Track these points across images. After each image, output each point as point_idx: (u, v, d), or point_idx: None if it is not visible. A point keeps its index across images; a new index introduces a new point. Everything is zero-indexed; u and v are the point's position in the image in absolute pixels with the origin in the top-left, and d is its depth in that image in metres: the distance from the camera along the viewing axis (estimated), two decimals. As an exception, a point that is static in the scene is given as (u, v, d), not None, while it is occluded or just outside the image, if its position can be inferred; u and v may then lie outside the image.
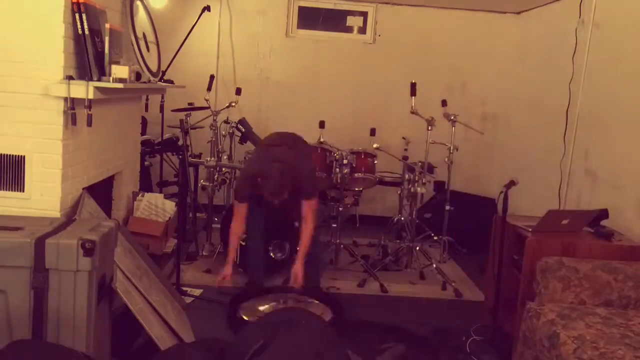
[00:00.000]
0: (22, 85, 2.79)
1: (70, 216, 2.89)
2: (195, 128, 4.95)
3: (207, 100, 4.59)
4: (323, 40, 5.83)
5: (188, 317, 3.28)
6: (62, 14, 2.79)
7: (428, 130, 4.37)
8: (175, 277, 3.68)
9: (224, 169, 4.60)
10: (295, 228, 3.99)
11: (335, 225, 4.36)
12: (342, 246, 4.37)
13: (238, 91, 4.87)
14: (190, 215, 4.97)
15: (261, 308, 3.44)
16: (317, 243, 3.86)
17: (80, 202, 3.04)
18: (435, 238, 4.82)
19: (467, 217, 5.06)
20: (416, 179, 4.35)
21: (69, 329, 2.28)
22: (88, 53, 2.92)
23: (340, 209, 4.28)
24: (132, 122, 4.08)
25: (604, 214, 3.29)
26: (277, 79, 5.81)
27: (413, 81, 4.33)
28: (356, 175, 4.24)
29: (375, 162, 4.32)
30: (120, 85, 2.92)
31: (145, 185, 4.83)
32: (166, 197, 4.30)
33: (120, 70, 2.96)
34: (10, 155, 2.83)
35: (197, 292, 3.72)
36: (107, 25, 3.01)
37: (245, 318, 3.31)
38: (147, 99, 5.03)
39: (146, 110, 5.05)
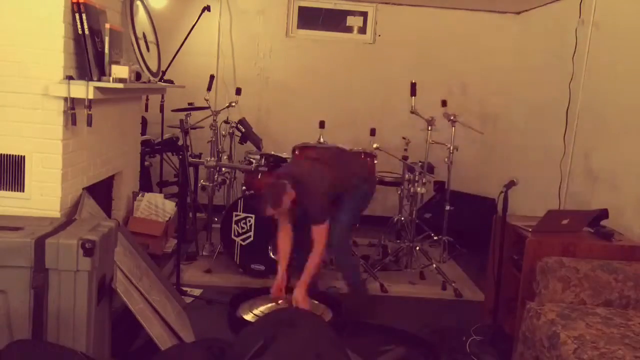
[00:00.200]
0: (22, 85, 2.79)
1: (70, 216, 2.89)
2: (195, 128, 4.95)
3: (207, 100, 4.59)
4: (323, 40, 5.83)
5: (188, 317, 3.28)
6: (62, 14, 2.79)
7: (428, 130, 4.37)
8: (175, 277, 3.68)
9: (224, 169, 4.60)
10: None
11: (335, 225, 4.35)
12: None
13: (238, 91, 4.87)
14: (190, 215, 4.97)
15: (261, 308, 3.44)
16: (347, 247, 3.75)
17: (80, 202, 3.04)
18: (435, 238, 4.82)
19: (467, 217, 5.06)
20: (416, 179, 4.35)
21: (69, 329, 2.28)
22: (88, 53, 2.92)
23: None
24: (132, 122, 4.08)
25: (604, 214, 3.29)
26: (277, 79, 5.81)
27: (413, 81, 4.33)
28: (356, 175, 4.22)
29: (375, 162, 4.31)
30: (120, 85, 2.92)
31: (145, 185, 4.83)
32: (166, 197, 4.30)
33: (120, 70, 2.96)
34: (10, 155, 2.83)
35: (197, 292, 3.73)
36: (107, 25, 3.01)
37: (245, 318, 3.31)
38: (147, 99, 5.04)
39: (146, 110, 5.06)
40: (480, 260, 4.41)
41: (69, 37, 2.87)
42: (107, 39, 2.99)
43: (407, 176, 4.47)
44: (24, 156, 2.84)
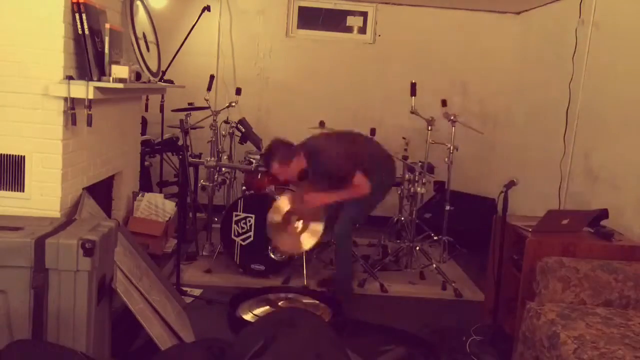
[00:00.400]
0: (22, 85, 2.79)
1: (70, 216, 2.89)
2: (195, 128, 4.95)
3: (207, 100, 4.59)
4: (323, 40, 5.83)
5: (188, 317, 3.27)
6: (62, 14, 2.79)
7: (428, 130, 4.37)
8: (175, 277, 3.68)
9: (224, 169, 4.60)
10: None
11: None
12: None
13: (238, 91, 4.87)
14: (190, 215, 4.98)
15: (261, 308, 3.45)
16: (347, 249, 3.87)
17: (80, 202, 3.04)
18: (435, 238, 4.82)
19: (467, 217, 5.06)
20: (416, 179, 4.35)
21: (69, 329, 2.28)
22: (88, 53, 2.92)
23: (340, 209, 4.28)
24: (132, 122, 4.08)
25: (604, 214, 3.29)
26: (277, 79, 5.81)
27: (413, 81, 4.34)
28: (356, 175, 4.22)
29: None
30: (120, 85, 2.92)
31: (145, 185, 4.83)
32: (166, 197, 4.31)
33: (120, 70, 2.96)
34: (10, 155, 2.83)
35: (197, 292, 3.72)
36: (107, 25, 3.01)
37: (245, 318, 3.31)
38: (147, 99, 5.04)
39: (146, 110, 5.06)
40: (480, 260, 4.41)
41: (69, 37, 2.87)
42: (107, 39, 2.99)
43: (407, 176, 4.47)
44: (24, 156, 2.84)
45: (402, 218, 4.78)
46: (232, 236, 4.12)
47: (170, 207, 4.21)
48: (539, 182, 4.65)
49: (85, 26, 2.89)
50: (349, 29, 5.91)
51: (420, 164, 4.39)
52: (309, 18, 5.84)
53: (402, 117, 4.98)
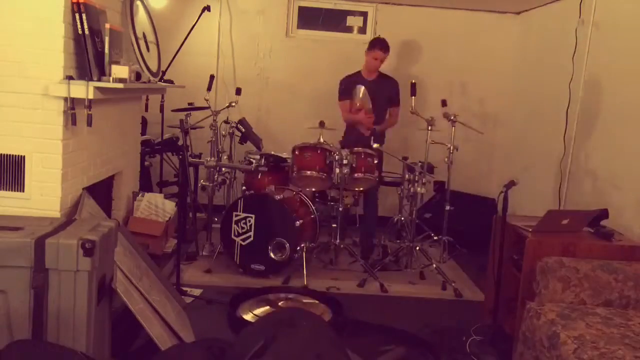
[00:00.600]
0: (22, 85, 2.79)
1: (70, 216, 2.89)
2: (195, 128, 4.95)
3: (207, 100, 4.58)
4: (323, 40, 5.82)
5: (188, 317, 3.28)
6: (62, 14, 2.79)
7: (428, 130, 4.37)
8: (175, 277, 3.68)
9: (224, 169, 4.60)
10: (296, 228, 4.00)
11: (335, 225, 4.36)
12: (342, 246, 4.37)
13: (238, 91, 4.87)
14: (190, 215, 4.98)
15: (261, 308, 3.45)
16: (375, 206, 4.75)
17: (80, 202, 3.05)
18: (435, 238, 4.82)
19: (467, 217, 5.06)
20: (416, 179, 4.35)
21: (69, 329, 2.28)
22: (88, 53, 2.92)
23: (340, 209, 4.28)
24: (132, 122, 4.08)
25: (604, 214, 3.29)
26: (277, 79, 5.81)
27: (413, 81, 4.33)
28: (356, 175, 4.24)
29: (375, 162, 4.31)
30: (120, 85, 2.92)
31: (145, 185, 4.83)
32: (166, 197, 4.30)
33: (120, 70, 2.96)
34: (10, 155, 2.83)
35: (197, 292, 3.72)
36: (107, 25, 3.01)
37: (245, 318, 3.31)
38: (147, 99, 5.03)
39: (146, 110, 5.05)
40: (480, 260, 4.41)
41: (69, 37, 2.87)
42: (107, 39, 2.99)
43: (407, 176, 4.46)
44: (24, 156, 2.84)
45: (402, 218, 4.78)
46: (232, 236, 4.12)
47: (170, 207, 4.21)
48: (539, 182, 4.65)
49: (85, 26, 2.89)
50: (349, 29, 5.91)
51: (420, 164, 4.39)
52: (309, 18, 5.84)
53: (402, 117, 4.98)
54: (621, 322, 2.47)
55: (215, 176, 4.54)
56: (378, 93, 4.67)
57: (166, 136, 5.15)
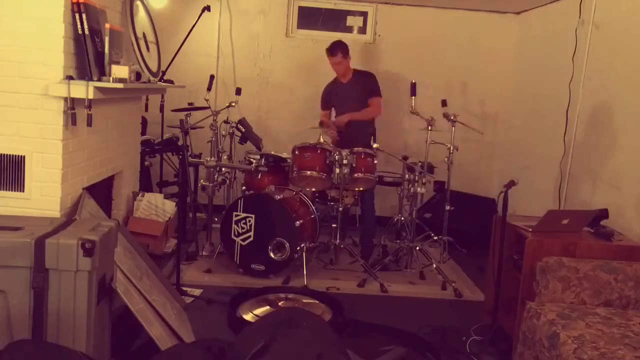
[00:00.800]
0: (22, 85, 2.79)
1: (70, 216, 2.89)
2: (195, 128, 4.95)
3: (207, 100, 4.58)
4: (323, 40, 5.80)
5: (188, 317, 3.28)
6: (62, 14, 2.79)
7: (428, 130, 4.37)
8: (175, 277, 3.68)
9: (224, 169, 4.60)
10: (296, 228, 4.00)
11: (335, 225, 4.36)
12: (342, 246, 4.37)
13: (238, 91, 4.87)
14: (190, 215, 4.97)
15: (261, 308, 3.45)
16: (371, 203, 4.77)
17: (80, 202, 3.04)
18: (435, 238, 4.82)
19: (467, 217, 5.06)
20: (416, 179, 4.35)
21: (69, 329, 2.28)
22: (88, 53, 2.92)
23: (340, 209, 4.28)
24: (132, 122, 4.08)
25: (604, 214, 3.29)
26: (277, 79, 5.81)
27: (413, 81, 4.33)
28: (356, 175, 4.24)
29: (375, 162, 4.31)
30: (120, 85, 2.92)
31: (145, 185, 4.83)
32: (166, 197, 4.31)
33: (120, 70, 2.96)
34: (10, 155, 2.83)
35: (197, 292, 3.72)
36: (107, 25, 3.01)
37: (245, 318, 3.31)
38: (147, 99, 5.03)
39: (146, 110, 5.05)
40: (480, 260, 4.41)
41: (69, 37, 2.87)
42: (107, 39, 2.99)
43: (407, 176, 4.46)
44: (24, 156, 2.84)
45: (402, 218, 4.78)
46: (232, 236, 4.12)
47: (170, 207, 4.21)
48: (539, 182, 4.65)
49: (85, 26, 2.89)
50: (349, 29, 5.91)
51: (420, 164, 4.39)
52: (309, 18, 5.84)
53: (402, 117, 4.98)
54: (621, 322, 2.47)
55: (215, 176, 4.54)
56: (356, 92, 4.70)
57: (166, 136, 5.15)
